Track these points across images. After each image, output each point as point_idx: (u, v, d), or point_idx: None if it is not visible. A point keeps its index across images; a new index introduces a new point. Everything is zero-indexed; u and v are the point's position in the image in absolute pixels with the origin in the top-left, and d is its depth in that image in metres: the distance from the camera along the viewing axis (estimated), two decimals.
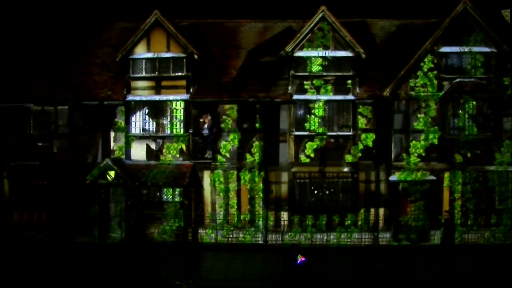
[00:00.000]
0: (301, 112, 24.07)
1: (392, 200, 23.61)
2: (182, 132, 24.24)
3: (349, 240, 23.57)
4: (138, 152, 24.42)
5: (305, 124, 24.00)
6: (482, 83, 23.24)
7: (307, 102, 23.96)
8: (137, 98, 24.32)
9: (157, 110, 24.35)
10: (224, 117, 24.12)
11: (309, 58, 23.91)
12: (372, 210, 23.89)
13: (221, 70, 24.94)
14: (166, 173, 23.81)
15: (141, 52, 24.25)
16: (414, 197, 23.38)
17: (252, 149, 24.13)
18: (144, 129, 24.46)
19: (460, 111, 23.29)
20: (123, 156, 24.44)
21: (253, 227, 24.05)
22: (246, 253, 22.36)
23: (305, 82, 23.96)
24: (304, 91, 23.94)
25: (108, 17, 28.51)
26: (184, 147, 24.26)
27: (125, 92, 24.38)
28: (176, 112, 24.30)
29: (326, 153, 23.96)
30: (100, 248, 22.79)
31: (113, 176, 23.43)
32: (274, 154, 24.06)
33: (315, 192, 24.04)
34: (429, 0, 29.84)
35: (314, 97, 23.90)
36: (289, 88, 24.00)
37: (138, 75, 24.33)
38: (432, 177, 23.37)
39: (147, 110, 24.43)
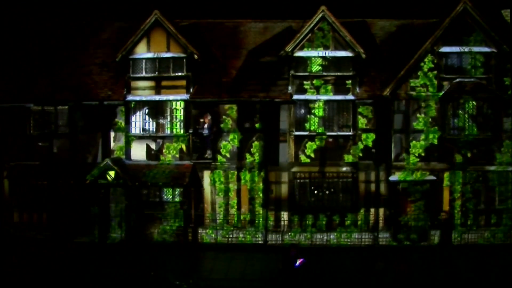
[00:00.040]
0: (301, 112, 24.07)
1: (392, 200, 23.61)
2: (182, 132, 24.24)
3: (349, 240, 23.56)
4: (138, 152, 24.43)
5: (305, 124, 24.00)
6: (482, 83, 23.24)
7: (307, 102, 23.97)
8: (137, 98, 24.32)
9: (157, 110, 24.35)
10: (224, 117, 24.12)
11: (309, 58, 23.92)
12: (372, 210, 23.90)
13: (221, 70, 24.94)
14: (166, 173, 23.81)
15: (141, 52, 24.25)
16: (414, 197, 23.39)
17: (252, 149, 24.13)
18: (144, 129, 24.46)
19: (460, 111, 23.28)
20: (123, 156, 24.44)
21: (253, 227, 24.05)
22: (246, 253, 22.37)
23: (305, 82, 23.97)
24: (304, 91, 23.95)
25: (108, 17, 28.50)
26: (184, 147, 24.26)
27: (125, 92, 24.39)
28: (176, 112, 24.31)
29: (326, 153, 23.96)
30: (100, 248, 22.79)
31: (113, 176, 23.43)
32: (274, 154, 24.07)
33: (315, 192, 24.05)
34: (429, 0, 29.83)
35: (314, 97, 23.90)
36: (289, 88, 24.00)
37: (138, 75, 24.33)
38: (432, 177, 23.37)
39: (147, 110, 24.44)
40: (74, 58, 25.77)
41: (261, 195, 24.07)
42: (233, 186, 24.17)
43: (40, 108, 24.56)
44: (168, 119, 24.32)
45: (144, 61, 24.29)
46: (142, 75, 24.33)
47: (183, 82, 24.24)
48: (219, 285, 19.41)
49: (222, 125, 24.14)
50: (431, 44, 23.22)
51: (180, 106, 24.28)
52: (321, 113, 23.94)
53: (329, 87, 23.93)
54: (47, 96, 24.46)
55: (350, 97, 23.85)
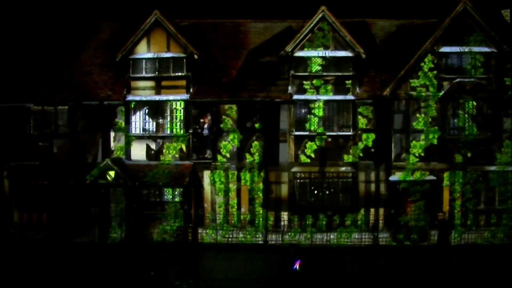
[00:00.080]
0: (301, 112, 24.07)
1: (392, 200, 23.61)
2: (182, 132, 24.24)
3: (349, 240, 23.56)
4: (138, 152, 24.43)
5: (305, 124, 24.00)
6: (482, 83, 23.25)
7: (307, 102, 23.97)
8: (137, 98, 24.32)
9: (157, 110, 24.36)
10: (224, 117, 24.12)
11: (309, 58, 23.91)
12: (372, 210, 23.90)
13: (221, 70, 24.94)
14: (166, 173, 23.81)
15: (141, 52, 24.25)
16: (414, 197, 23.40)
17: (252, 149, 24.14)
18: (144, 129, 24.46)
19: (460, 111, 23.29)
20: (123, 156, 24.44)
21: (253, 227, 24.05)
22: (246, 253, 22.36)
23: (305, 82, 23.97)
24: (304, 91, 23.95)
25: (108, 17, 28.49)
26: (184, 147, 24.27)
27: (125, 92, 24.39)
28: (176, 112, 24.30)
29: (326, 153, 23.96)
30: (100, 248, 22.79)
31: (113, 176, 23.43)
32: (274, 154, 24.07)
33: (315, 192, 24.05)
34: (429, 0, 29.81)
35: (314, 97, 23.90)
36: (289, 88, 24.00)
37: (138, 75, 24.33)
38: (432, 177, 23.38)
39: (147, 110, 24.44)
40: (74, 58, 25.79)
41: (261, 195, 24.08)
42: (233, 186, 24.17)
43: (40, 108, 24.56)
44: (168, 119, 24.32)
45: (144, 61, 24.29)
46: (142, 75, 24.33)
47: (183, 82, 24.24)
48: (219, 285, 19.41)
49: (222, 125, 24.14)
50: (431, 44, 23.23)
51: (180, 106, 24.28)
52: (321, 113, 23.94)
53: (329, 87, 23.93)
54: (47, 96, 24.46)
55: (350, 97, 23.86)
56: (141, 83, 24.37)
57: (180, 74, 24.21)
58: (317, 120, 23.92)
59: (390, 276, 19.17)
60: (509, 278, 19.23)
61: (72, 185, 24.19)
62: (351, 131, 23.90)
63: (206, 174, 24.25)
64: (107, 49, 25.78)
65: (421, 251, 22.27)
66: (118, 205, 23.80)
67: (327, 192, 24.02)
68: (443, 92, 23.35)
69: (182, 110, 24.26)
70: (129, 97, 24.33)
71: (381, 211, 23.88)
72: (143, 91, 24.33)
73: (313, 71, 23.97)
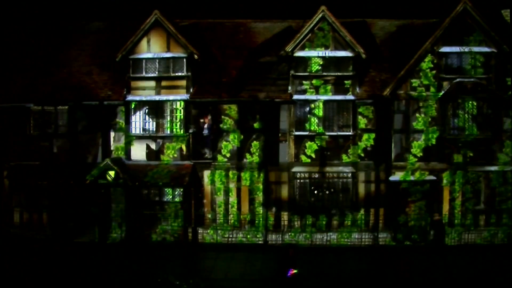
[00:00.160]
0: (301, 112, 24.07)
1: (392, 200, 23.60)
2: (182, 132, 24.24)
3: (348, 240, 23.55)
4: (138, 152, 24.43)
5: (305, 124, 24.00)
6: (482, 83, 23.25)
7: (307, 102, 23.97)
8: (137, 98, 24.32)
9: (157, 110, 24.36)
10: (224, 117, 24.12)
11: (309, 58, 23.91)
12: (372, 210, 23.90)
13: (221, 70, 24.94)
14: (166, 173, 23.81)
15: (141, 52, 24.25)
16: (414, 197, 23.39)
17: (252, 149, 24.14)
18: (144, 129, 24.47)
19: (460, 111, 23.29)
20: (123, 156, 24.44)
21: (253, 227, 24.05)
22: (246, 253, 22.35)
23: (305, 82, 23.97)
24: (304, 91, 23.95)
25: (108, 17, 28.49)
26: (184, 147, 24.27)
27: (125, 92, 24.39)
28: (176, 112, 24.30)
29: (326, 153, 23.96)
30: (100, 248, 22.78)
31: (113, 176, 23.43)
32: (274, 154, 24.07)
33: (315, 192, 24.04)
34: (429, 0, 29.82)
35: (314, 97, 23.90)
36: (289, 88, 24.00)
37: (138, 75, 24.33)
38: (432, 177, 23.37)
39: (147, 110, 24.44)
40: (74, 58, 25.78)
41: (261, 195, 24.07)
42: (233, 186, 24.17)
43: (40, 108, 24.56)
44: (168, 119, 24.32)
45: (144, 61, 24.29)
46: (142, 75, 24.33)
47: (183, 82, 24.24)
48: (219, 285, 19.40)
49: (222, 125, 24.14)
50: (431, 44, 23.23)
51: (180, 106, 24.28)
52: (321, 113, 23.94)
53: (329, 87, 23.93)
54: (47, 96, 24.47)
55: (350, 97, 23.86)
56: (141, 83, 24.37)
57: (180, 74, 24.22)
58: (317, 120, 23.92)
59: (390, 276, 19.19)
60: (508, 278, 19.23)
61: (72, 185, 24.21)
62: (351, 131, 23.90)
63: (206, 174, 24.25)
64: (107, 49, 25.76)
65: (421, 251, 22.27)
66: (118, 205, 23.79)
67: (327, 192, 24.02)
68: (443, 92, 23.35)
69: (182, 110, 24.27)
70: (129, 97, 24.33)
71: (381, 211, 23.87)
72: (143, 91, 24.33)
73: (313, 71, 23.96)
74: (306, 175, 24.08)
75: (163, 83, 24.30)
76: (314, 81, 23.93)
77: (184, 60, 24.17)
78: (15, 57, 25.94)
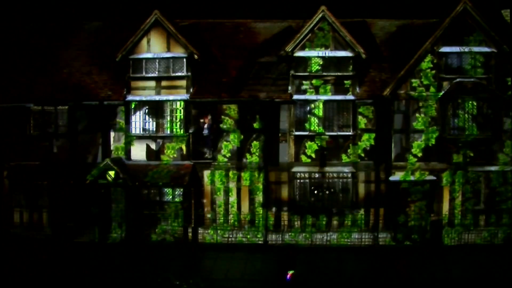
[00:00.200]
0: (301, 112, 24.07)
1: (392, 200, 23.60)
2: (182, 132, 24.24)
3: (349, 240, 23.55)
4: (138, 152, 24.43)
5: (305, 124, 24.00)
6: (482, 83, 23.24)
7: (307, 102, 23.97)
8: (137, 98, 24.32)
9: (157, 110, 24.35)
10: (224, 117, 24.12)
11: (309, 58, 23.92)
12: (372, 210, 23.90)
13: (221, 70, 24.94)
14: (166, 173, 23.81)
15: (141, 52, 24.25)
16: (414, 197, 23.39)
17: (252, 149, 24.14)
18: (144, 129, 24.47)
19: (460, 111, 23.29)
20: (123, 156, 24.44)
21: (253, 227, 24.05)
22: (246, 253, 22.36)
23: (305, 82, 23.97)
24: (304, 91, 23.95)
25: (108, 17, 28.49)
26: (184, 147, 24.26)
27: (125, 92, 24.39)
28: (176, 112, 24.31)
29: (326, 153, 23.96)
30: (100, 248, 22.78)
31: (113, 176, 23.43)
32: (274, 154, 24.07)
33: (315, 192, 24.04)
34: (429, 0, 29.82)
35: (314, 97, 23.90)
36: (289, 88, 24.00)
37: (138, 75, 24.33)
38: (432, 177, 23.37)
39: (147, 110, 24.44)
40: (74, 58, 25.77)
41: (261, 195, 24.07)
42: (233, 186, 24.17)
43: (40, 108, 24.56)
44: (168, 119, 24.32)
45: (144, 61, 24.29)
46: (142, 75, 24.33)
47: (183, 82, 24.25)
48: (219, 285, 19.41)
49: (222, 125, 24.14)
50: (431, 44, 23.23)
51: (180, 106, 24.28)
52: (321, 113, 23.94)
53: (329, 87, 23.93)
54: (47, 96, 24.47)
55: (350, 97, 23.86)
56: (141, 83, 24.37)
57: (180, 74, 24.22)
58: (317, 120, 23.92)
59: (390, 276, 19.21)
60: (507, 278, 19.23)
61: (72, 185, 24.20)
62: (351, 131, 23.90)
63: (206, 174, 24.25)
64: (107, 49, 25.74)
65: (421, 251, 22.28)
66: (118, 205, 23.79)
67: (327, 192, 24.02)
68: (443, 92, 23.35)
69: (182, 110, 24.27)
70: (129, 97, 24.33)
71: (381, 211, 23.87)
72: (143, 91, 24.33)
73: (313, 71, 23.97)
74: (306, 175, 24.08)
75: (163, 83, 24.30)
76: (314, 81, 23.93)
77: (184, 60, 24.18)
78: (15, 57, 25.93)
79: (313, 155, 23.96)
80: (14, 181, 24.66)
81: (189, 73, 24.20)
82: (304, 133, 23.97)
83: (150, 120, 24.43)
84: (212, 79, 24.59)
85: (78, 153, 24.57)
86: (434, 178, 23.36)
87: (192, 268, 20.62)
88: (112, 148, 24.57)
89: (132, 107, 24.38)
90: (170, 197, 23.87)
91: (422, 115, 23.41)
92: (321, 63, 23.93)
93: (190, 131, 24.23)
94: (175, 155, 24.26)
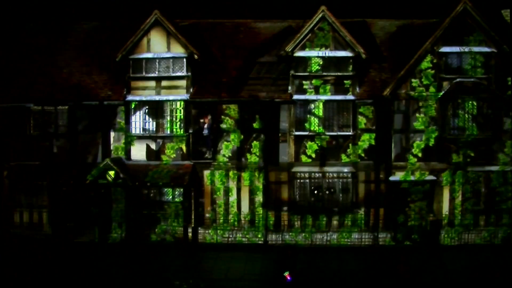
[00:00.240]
0: (301, 112, 24.07)
1: (392, 200, 23.60)
2: (182, 132, 24.24)
3: (349, 240, 23.55)
4: (138, 152, 24.43)
5: (305, 124, 24.00)
6: (482, 83, 23.25)
7: (307, 102, 23.97)
8: (137, 98, 24.32)
9: (157, 110, 24.35)
10: (224, 117, 24.12)
11: (309, 58, 23.91)
12: (372, 210, 23.89)
13: (221, 70, 24.94)
14: (166, 173, 23.81)
15: (141, 52, 24.25)
16: (414, 197, 23.38)
17: (252, 149, 24.14)
18: (144, 129, 24.46)
19: (460, 111, 23.29)
20: (123, 156, 24.44)
21: (253, 227, 24.05)
22: (246, 253, 22.37)
23: (305, 82, 23.97)
24: (304, 91, 23.95)
25: (108, 17, 28.48)
26: (184, 147, 24.26)
27: (125, 92, 24.39)
28: (176, 112, 24.31)
29: (326, 153, 23.96)
30: (100, 248, 22.79)
31: (113, 176, 23.43)
32: (274, 154, 24.07)
33: (315, 192, 24.04)
34: (429, 0, 29.81)
35: (314, 97, 23.90)
36: (289, 88, 24.01)
37: (138, 75, 24.33)
38: (432, 177, 23.37)
39: (147, 110, 24.43)
40: (74, 58, 25.78)
41: (261, 195, 24.07)
42: (233, 186, 24.17)
43: (40, 108, 24.56)
44: (168, 119, 24.32)
45: (144, 61, 24.29)
46: (142, 75, 24.32)
47: (183, 82, 24.24)
48: (219, 285, 19.41)
49: (222, 125, 24.14)
50: (431, 44, 23.23)
51: (180, 106, 24.28)
52: (321, 113, 23.94)
53: (329, 87, 23.93)
54: (47, 96, 24.46)
55: (350, 97, 23.86)
56: (141, 83, 24.37)
57: (180, 74, 24.22)
58: (317, 120, 23.92)
59: (390, 276, 19.21)
60: (507, 278, 19.23)
61: (72, 185, 24.21)
62: (351, 131, 23.90)
63: (206, 174, 24.25)
64: (107, 49, 25.74)
65: (421, 251, 22.28)
66: (118, 205, 23.79)
67: (327, 192, 24.02)
68: (443, 92, 23.35)
69: (182, 110, 24.27)
70: (129, 97, 24.34)
71: (381, 211, 23.86)
72: (143, 91, 24.33)
73: (313, 71, 23.96)
74: (306, 175, 24.08)
75: (163, 83, 24.30)
76: (314, 81, 23.93)
77: (184, 60, 24.18)
78: (15, 57, 25.94)
79: (313, 155, 23.96)
80: (14, 181, 24.67)
81: (189, 73, 24.20)
82: (304, 133, 23.97)
83: (150, 120, 24.43)
84: (212, 79, 24.59)
85: (78, 153, 24.57)
86: (434, 178, 23.36)
87: (192, 268, 20.63)
88: (112, 148, 24.56)
89: (132, 107, 24.38)
90: (170, 197, 23.88)
91: (422, 115, 23.41)
92: (321, 63, 23.93)
93: (190, 131, 24.23)
94: (175, 155, 24.26)
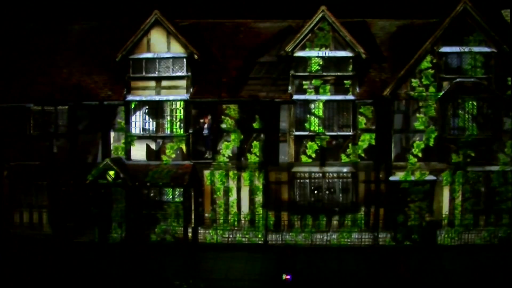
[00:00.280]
0: (301, 112, 24.07)
1: (392, 200, 23.60)
2: (182, 132, 24.24)
3: (349, 240, 23.55)
4: (138, 152, 24.43)
5: (305, 124, 24.00)
6: (482, 83, 23.25)
7: (307, 102, 23.97)
8: (137, 98, 24.32)
9: (157, 110, 24.35)
10: (224, 117, 24.12)
11: (309, 58, 23.91)
12: (372, 210, 23.89)
13: (221, 70, 24.94)
14: (166, 173, 23.81)
15: (141, 52, 24.25)
16: (414, 197, 23.38)
17: (252, 149, 24.14)
18: (144, 129, 24.46)
19: (460, 111, 23.29)
20: (123, 156, 24.44)
21: (253, 227, 24.04)
22: (246, 253, 22.37)
23: (305, 82, 23.97)
24: (304, 91, 23.95)
25: (108, 17, 28.49)
26: (184, 147, 24.26)
27: (125, 92, 24.39)
28: (176, 112, 24.31)
29: (326, 153, 23.96)
30: (100, 248, 22.78)
31: (113, 176, 23.43)
32: (274, 154, 24.07)
33: (315, 192, 24.04)
34: (429, 0, 29.81)
35: (314, 97, 23.90)
36: (289, 88, 24.01)
37: (138, 75, 24.33)
38: (432, 177, 23.38)
39: (147, 110, 24.43)
40: (74, 58, 25.77)
41: (261, 195, 24.07)
42: (233, 186, 24.17)
43: (40, 108, 24.56)
44: (168, 119, 24.32)
45: (144, 61, 24.29)
46: (142, 75, 24.33)
47: (183, 82, 24.24)
48: (219, 285, 19.41)
49: (222, 125, 24.14)
50: (431, 44, 23.23)
51: (180, 106, 24.28)
52: (321, 113, 23.94)
53: (329, 87, 23.93)
54: (47, 96, 24.46)
55: (350, 97, 23.86)
56: (141, 83, 24.37)
57: (180, 74, 24.22)
58: (317, 120, 23.92)
59: (390, 276, 19.21)
60: (507, 278, 19.24)
61: (72, 185, 24.20)
62: (351, 131, 23.90)
63: (206, 174, 24.25)
64: (107, 49, 25.74)
65: (421, 251, 22.29)
66: (118, 205, 23.79)
67: (327, 192, 24.02)
68: (443, 92, 23.35)
69: (182, 110, 24.27)
70: (129, 97, 24.33)
71: (381, 211, 23.86)
72: (143, 91, 24.33)
73: (313, 71, 23.97)
74: (306, 175, 24.08)
75: (163, 83, 24.29)
76: (314, 81, 23.93)
77: (184, 60, 24.18)
78: (15, 57, 25.93)
79: (313, 155, 23.96)
80: (14, 181, 24.66)
81: (189, 73, 24.20)
82: (304, 133, 23.97)
83: (150, 120, 24.43)
84: (212, 79, 24.59)
85: (78, 153, 24.57)
86: (434, 178, 23.37)
87: (192, 268, 20.62)
88: (112, 148, 24.56)
89: (132, 107, 24.38)
90: (170, 197, 23.87)
91: (422, 115, 23.41)
92: (321, 63, 23.93)
93: (190, 131, 24.23)
94: (175, 155, 24.25)
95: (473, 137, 23.18)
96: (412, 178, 23.38)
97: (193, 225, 23.88)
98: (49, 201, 24.36)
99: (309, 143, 23.97)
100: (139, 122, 24.44)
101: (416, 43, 24.17)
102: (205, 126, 24.12)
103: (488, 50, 23.21)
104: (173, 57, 24.20)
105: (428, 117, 23.40)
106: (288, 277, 18.15)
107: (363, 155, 23.92)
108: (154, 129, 24.40)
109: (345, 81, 23.85)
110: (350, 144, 23.93)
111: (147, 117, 24.45)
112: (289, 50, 23.66)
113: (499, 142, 23.34)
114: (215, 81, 24.49)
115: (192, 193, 24.06)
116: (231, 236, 23.89)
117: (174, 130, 24.27)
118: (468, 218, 23.30)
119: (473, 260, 21.11)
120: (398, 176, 23.45)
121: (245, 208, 24.16)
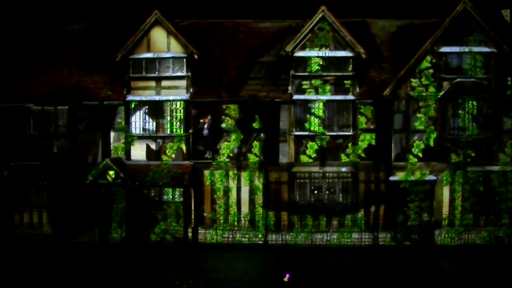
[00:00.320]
0: (301, 112, 24.07)
1: (392, 200, 23.60)
2: (182, 132, 24.24)
3: (349, 240, 23.55)
4: (138, 152, 24.43)
5: (305, 124, 24.00)
6: (482, 83, 23.25)
7: (307, 102, 23.97)
8: (137, 98, 24.32)
9: (157, 110, 24.35)
10: (224, 117, 24.12)
11: (309, 58, 23.91)
12: (372, 210, 23.90)
13: (221, 70, 24.95)
14: (166, 173, 23.81)
15: (141, 52, 24.25)
16: (414, 197, 23.38)
17: (252, 149, 24.14)
18: (144, 129, 24.47)
19: (460, 111, 23.29)
20: (123, 156, 24.44)
21: (253, 227, 24.05)
22: (246, 253, 22.37)
23: (305, 82, 23.97)
24: (304, 91, 23.95)
25: (108, 17, 28.50)
26: (184, 147, 24.26)
27: (125, 92, 24.39)
28: (176, 112, 24.31)
29: (326, 153, 23.96)
30: (100, 248, 22.79)
31: (113, 176, 23.43)
32: (274, 154, 24.07)
33: (315, 192, 24.04)
34: (429, 0, 29.83)
35: (314, 97, 23.90)
36: (289, 88, 24.01)
37: (138, 75, 24.33)
38: (432, 177, 23.37)
39: (147, 110, 24.44)
40: (74, 58, 25.77)
41: (261, 195, 24.07)
42: (233, 186, 24.17)
43: (40, 108, 24.56)
44: (168, 119, 24.33)
45: (144, 61, 24.29)
46: (142, 75, 24.33)
47: (183, 82, 24.24)
48: (219, 285, 19.41)
49: (222, 125, 24.14)
50: (431, 44, 23.23)
51: (180, 106, 24.28)
52: (321, 113, 23.94)
53: (329, 87, 23.93)
54: (47, 96, 24.46)
55: (350, 97, 23.86)
56: (141, 83, 24.37)
57: (180, 74, 24.22)
58: (317, 120, 23.92)
59: (390, 276, 19.21)
60: (506, 278, 19.24)
61: (72, 185, 24.21)
62: (351, 131, 23.90)
63: (206, 174, 24.25)
64: (107, 49, 25.76)
65: (420, 251, 22.29)
66: (118, 205, 23.79)
67: (327, 192, 24.02)
68: (443, 92, 23.35)
69: (182, 110, 24.27)
70: (129, 97, 24.34)
71: (381, 211, 23.87)
72: (143, 91, 24.33)
73: (313, 71, 23.97)
74: (306, 175, 24.08)
75: (163, 83, 24.30)
76: (314, 81, 23.94)
77: (184, 60, 24.18)
78: (15, 57, 25.94)
79: (313, 155, 23.96)
80: (14, 181, 24.66)
81: (189, 73, 24.20)
82: (304, 133, 23.97)
83: (150, 120, 24.43)
84: (212, 79, 24.59)
85: (78, 153, 24.57)
86: (434, 178, 23.36)
87: (192, 268, 20.62)
88: (112, 148, 24.56)
89: (132, 107, 24.38)
90: (170, 197, 23.88)
91: (422, 115, 23.41)
92: (321, 63, 23.93)
93: (190, 131, 24.23)
94: (175, 155, 24.26)
95: (473, 137, 23.18)
96: (412, 178, 23.38)
97: (193, 225, 23.88)
98: (49, 201, 24.36)
99: (309, 143, 23.97)
100: (139, 122, 24.44)
101: (416, 43, 24.17)
102: (205, 126, 24.12)
103: (488, 50, 23.21)
104: (173, 57, 24.20)
105: (428, 117, 23.40)
106: (288, 276, 18.15)
107: (363, 155, 23.92)
108: (154, 129, 24.41)
109: (345, 81, 23.85)
110: (350, 144, 23.93)
111: (147, 117, 24.45)
112: (289, 50, 23.67)
113: (499, 142, 23.34)
114: (215, 81, 24.49)
115: (192, 193, 24.06)
116: (231, 236, 23.90)
117: (174, 130, 24.27)
118: (468, 218, 23.30)
119: (473, 260, 21.13)
120: (398, 176, 23.45)
121: (245, 208, 24.16)
